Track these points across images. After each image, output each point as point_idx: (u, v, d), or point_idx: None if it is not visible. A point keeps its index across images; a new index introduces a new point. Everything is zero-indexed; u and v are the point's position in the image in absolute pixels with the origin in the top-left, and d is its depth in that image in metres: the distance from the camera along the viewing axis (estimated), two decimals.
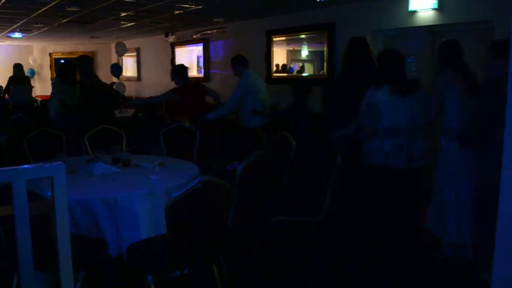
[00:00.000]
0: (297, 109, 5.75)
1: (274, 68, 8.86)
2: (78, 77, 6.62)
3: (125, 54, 13.55)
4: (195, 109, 6.15)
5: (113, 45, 13.65)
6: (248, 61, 6.46)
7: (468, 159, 3.94)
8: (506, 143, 1.79)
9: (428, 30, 6.23)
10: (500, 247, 1.89)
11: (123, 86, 12.27)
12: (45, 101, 9.57)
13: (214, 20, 9.31)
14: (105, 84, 7.46)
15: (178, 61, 11.90)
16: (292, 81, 7.46)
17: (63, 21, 8.97)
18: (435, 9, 5.97)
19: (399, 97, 4.21)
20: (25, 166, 1.43)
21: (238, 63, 6.39)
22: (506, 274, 1.90)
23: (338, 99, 5.01)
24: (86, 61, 6.80)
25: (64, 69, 6.64)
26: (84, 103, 6.20)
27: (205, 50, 10.73)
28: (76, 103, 6.23)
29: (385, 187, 4.25)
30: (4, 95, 10.38)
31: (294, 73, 8.86)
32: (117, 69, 12.75)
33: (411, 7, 6.21)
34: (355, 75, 4.85)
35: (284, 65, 8.96)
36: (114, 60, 14.15)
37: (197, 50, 11.34)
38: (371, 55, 5.05)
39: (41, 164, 1.46)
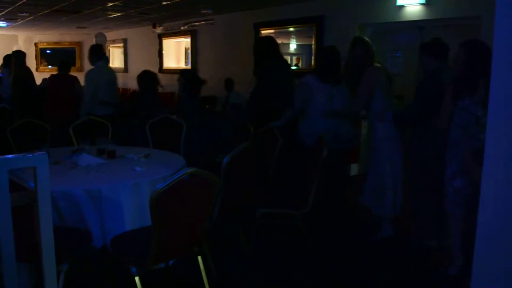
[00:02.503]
0: (143, 99, 6.13)
1: None
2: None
3: (112, 45, 13.44)
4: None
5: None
6: (104, 53, 6.88)
7: (398, 139, 4.43)
8: (487, 142, 1.80)
9: (416, 25, 6.26)
10: (480, 243, 1.91)
11: None
12: None
13: (202, 12, 9.27)
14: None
15: (166, 52, 11.85)
16: None
17: (49, 10, 8.87)
18: (422, 4, 6.00)
19: (331, 86, 4.77)
20: (7, 156, 1.41)
21: (93, 53, 6.55)
22: (486, 272, 1.92)
23: (254, 97, 5.42)
24: (20, 55, 7.75)
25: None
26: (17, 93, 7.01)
27: (193, 42, 10.68)
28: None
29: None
30: None
31: None
32: None
33: (399, 2, 6.24)
34: (268, 72, 5.28)
35: None
36: None
37: (185, 42, 11.29)
38: (279, 52, 5.52)
39: (24, 154, 1.44)
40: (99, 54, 6.59)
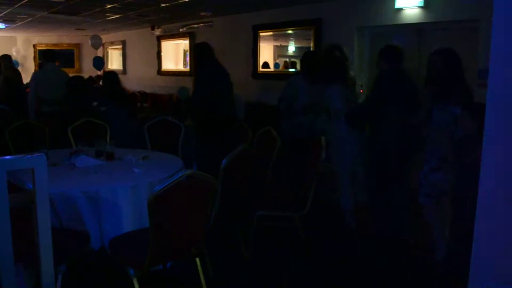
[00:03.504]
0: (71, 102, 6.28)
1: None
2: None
3: (111, 47, 13.45)
4: None
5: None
6: (54, 57, 7.43)
7: (354, 136, 4.72)
8: (485, 140, 1.81)
9: (414, 27, 6.27)
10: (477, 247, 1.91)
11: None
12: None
13: (201, 14, 9.28)
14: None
15: (165, 54, 11.86)
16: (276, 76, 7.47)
17: (48, 12, 8.87)
18: (421, 7, 6.01)
19: (307, 84, 5.26)
20: (6, 157, 1.41)
21: (43, 57, 7.37)
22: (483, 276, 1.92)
23: (196, 98, 5.59)
24: (8, 58, 8.09)
25: None
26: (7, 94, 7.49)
27: (192, 44, 10.69)
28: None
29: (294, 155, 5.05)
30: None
31: (280, 68, 8.88)
32: (99, 62, 12.63)
33: (398, 5, 6.25)
34: (207, 76, 5.45)
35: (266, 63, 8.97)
36: (99, 52, 14.04)
37: (183, 44, 11.30)
38: (215, 57, 5.60)
39: (22, 155, 1.44)
40: (47, 58, 7.42)
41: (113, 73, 6.57)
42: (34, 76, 7.27)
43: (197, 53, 5.62)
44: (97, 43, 12.80)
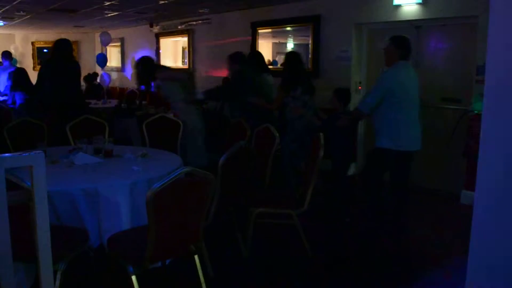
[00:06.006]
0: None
1: None
2: None
3: (109, 44, 13.40)
4: None
5: (97, 34, 13.51)
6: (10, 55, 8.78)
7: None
8: (482, 137, 1.81)
9: (412, 24, 6.27)
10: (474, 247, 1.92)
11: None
12: None
13: (199, 11, 9.26)
14: None
15: (163, 51, 11.85)
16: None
17: (46, 9, 8.85)
18: (419, 3, 6.01)
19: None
20: (4, 155, 1.41)
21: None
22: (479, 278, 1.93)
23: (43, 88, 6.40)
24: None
25: None
26: None
27: (190, 41, 10.68)
28: None
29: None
30: None
31: (278, 65, 8.87)
32: (103, 58, 12.46)
33: (396, 1, 6.25)
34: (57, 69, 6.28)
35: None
36: (98, 49, 14.01)
37: (182, 41, 11.28)
38: (72, 55, 6.90)
39: (20, 153, 1.44)
40: (5, 56, 9.09)
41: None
42: None
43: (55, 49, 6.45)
44: (106, 39, 12.64)
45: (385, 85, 4.46)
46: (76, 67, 6.69)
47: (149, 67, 5.78)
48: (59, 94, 6.25)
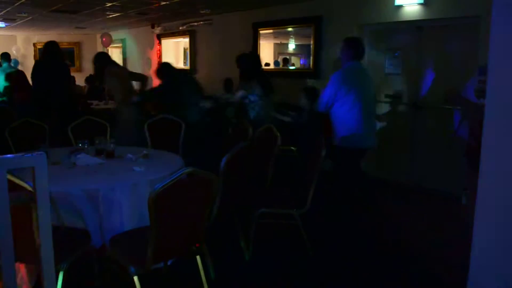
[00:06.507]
0: None
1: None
2: None
3: (111, 45, 13.42)
4: None
5: (98, 35, 13.53)
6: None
7: None
8: (484, 139, 1.81)
9: (414, 25, 6.27)
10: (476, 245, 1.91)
11: None
12: None
13: (201, 12, 9.27)
14: None
15: (165, 52, 11.85)
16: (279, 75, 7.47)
17: (48, 10, 8.87)
18: (421, 4, 6.00)
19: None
20: (6, 156, 1.41)
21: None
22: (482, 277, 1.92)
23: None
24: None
25: None
26: None
27: (191, 42, 10.68)
28: None
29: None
30: None
31: (280, 66, 8.87)
32: None
33: (397, 2, 6.24)
34: (44, 70, 6.69)
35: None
36: (99, 51, 14.00)
37: (183, 42, 11.29)
38: (61, 57, 7.08)
39: (22, 154, 1.44)
40: (3, 58, 9.55)
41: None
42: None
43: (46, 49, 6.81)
44: (107, 41, 12.67)
45: (335, 84, 4.69)
46: (65, 68, 7.00)
47: (103, 63, 6.38)
48: (48, 93, 6.56)
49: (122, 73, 6.76)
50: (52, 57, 6.69)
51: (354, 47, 4.75)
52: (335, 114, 4.76)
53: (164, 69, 6.39)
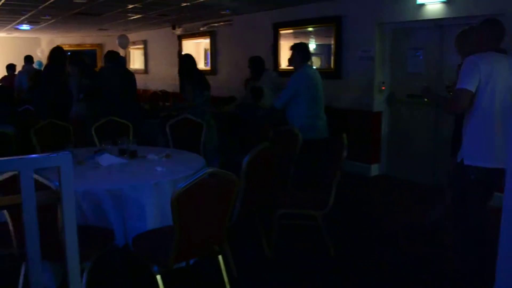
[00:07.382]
0: None
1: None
2: None
3: (132, 47, 13.53)
4: None
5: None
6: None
7: None
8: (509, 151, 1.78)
9: (436, 23, 6.19)
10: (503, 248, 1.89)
11: None
12: None
13: (221, 12, 9.29)
14: None
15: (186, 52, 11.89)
16: None
17: (71, 13, 8.99)
18: (443, 2, 5.93)
19: None
20: (32, 155, 1.43)
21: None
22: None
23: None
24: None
25: None
26: None
27: (212, 42, 10.71)
28: None
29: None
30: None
31: None
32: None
33: (419, 0, 6.17)
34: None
35: None
36: (121, 52, 14.13)
37: (204, 43, 11.32)
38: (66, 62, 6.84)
39: (48, 154, 1.46)
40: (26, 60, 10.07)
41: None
42: None
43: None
44: (124, 42, 12.80)
45: (295, 85, 5.17)
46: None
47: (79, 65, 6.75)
48: (51, 97, 6.46)
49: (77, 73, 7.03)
50: (58, 63, 6.71)
51: (303, 52, 5.29)
52: (293, 111, 5.21)
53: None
